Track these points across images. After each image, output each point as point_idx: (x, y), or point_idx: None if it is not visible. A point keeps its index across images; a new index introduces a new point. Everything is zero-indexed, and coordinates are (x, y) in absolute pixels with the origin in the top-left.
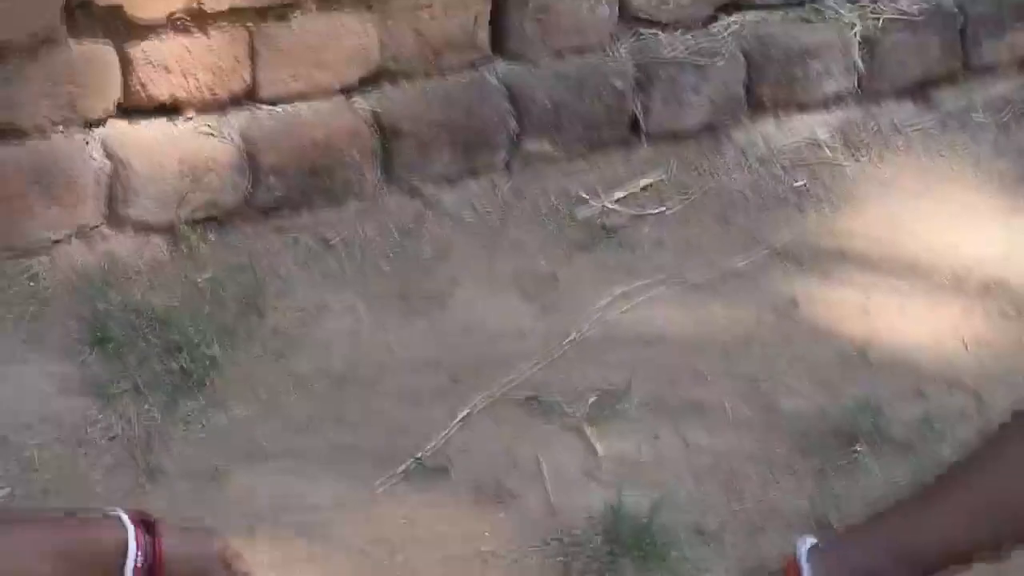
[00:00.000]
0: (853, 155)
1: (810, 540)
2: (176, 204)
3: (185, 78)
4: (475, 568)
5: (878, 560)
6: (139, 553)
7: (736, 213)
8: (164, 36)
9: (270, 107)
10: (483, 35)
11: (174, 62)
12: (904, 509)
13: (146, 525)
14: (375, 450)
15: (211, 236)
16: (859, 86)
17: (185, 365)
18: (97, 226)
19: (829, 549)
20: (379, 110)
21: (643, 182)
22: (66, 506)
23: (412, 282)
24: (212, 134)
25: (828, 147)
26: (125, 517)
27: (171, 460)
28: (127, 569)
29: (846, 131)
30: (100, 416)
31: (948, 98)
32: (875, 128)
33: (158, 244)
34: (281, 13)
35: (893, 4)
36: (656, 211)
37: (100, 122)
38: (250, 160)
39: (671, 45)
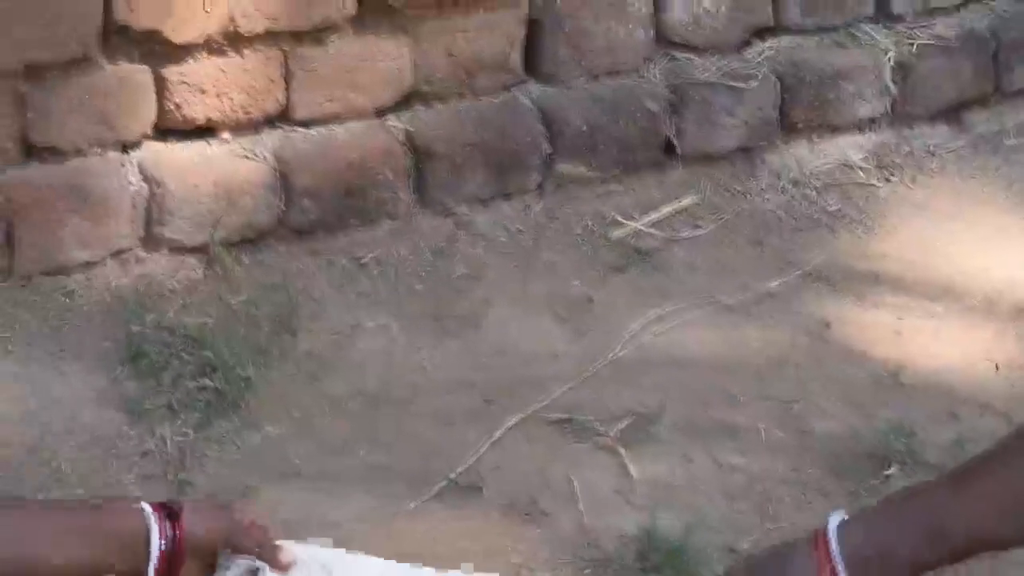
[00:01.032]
0: (886, 177)
1: (840, 515)
2: (211, 225)
3: (220, 99)
4: None
5: (906, 538)
6: (162, 540)
7: (769, 235)
8: (199, 58)
9: (304, 128)
10: (517, 57)
11: (209, 84)
12: (935, 491)
13: (168, 511)
14: (408, 470)
15: (245, 257)
16: (892, 109)
17: (219, 385)
18: (132, 247)
19: (858, 524)
20: (413, 131)
21: (677, 204)
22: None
23: (445, 303)
24: (247, 155)
25: (861, 169)
26: (147, 507)
27: (203, 477)
28: (152, 555)
29: (879, 154)
30: (132, 431)
31: (980, 121)
32: (908, 151)
33: (193, 265)
34: (316, 36)
35: (927, 30)
36: (690, 233)
37: (136, 143)
38: (284, 181)
39: (705, 68)
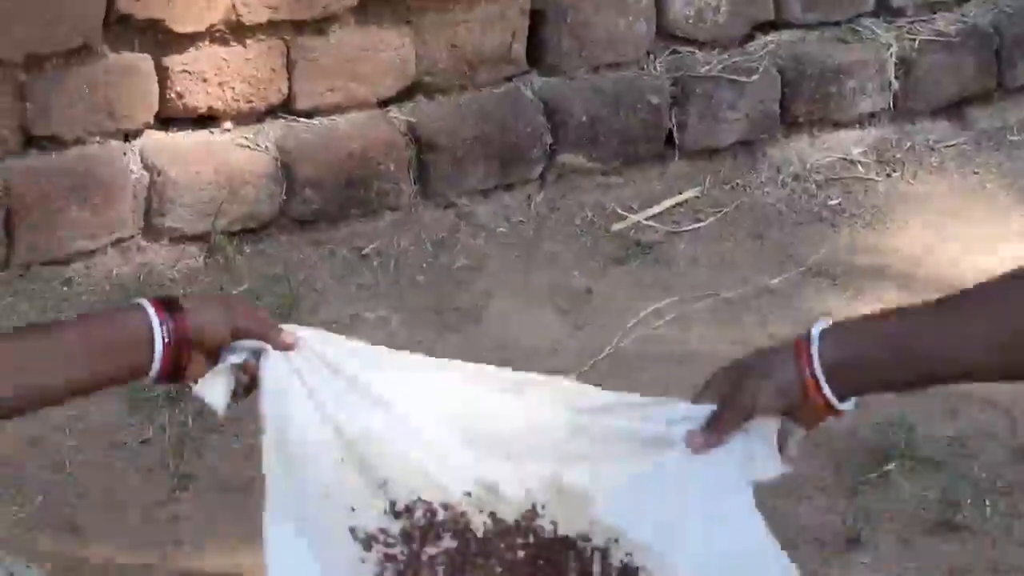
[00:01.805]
0: (887, 173)
1: (824, 322)
2: (212, 215)
3: (222, 89)
4: None
5: (879, 351)
6: (164, 332)
7: (770, 229)
8: (201, 47)
9: (306, 119)
10: (519, 49)
11: (211, 73)
12: (921, 313)
13: (168, 305)
14: None
15: (246, 247)
16: (894, 104)
17: None
18: (133, 236)
19: (839, 332)
20: (415, 122)
21: (678, 197)
22: (101, 507)
23: (446, 295)
24: (248, 145)
25: (862, 164)
26: (147, 303)
27: (204, 468)
28: (156, 349)
29: (880, 149)
30: (132, 421)
31: (983, 117)
32: (909, 146)
33: (193, 254)
34: (319, 26)
35: (930, 25)
36: (691, 227)
37: (137, 132)
38: (286, 171)
39: (707, 62)
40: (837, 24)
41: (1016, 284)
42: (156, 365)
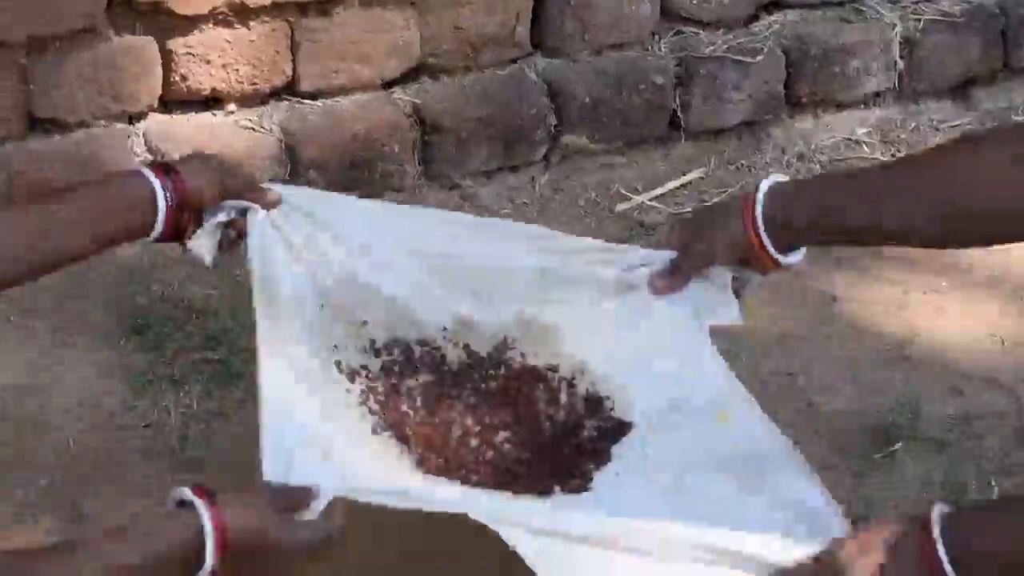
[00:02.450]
0: (892, 153)
1: (771, 179)
2: None
3: (226, 71)
4: None
5: (817, 211)
6: (167, 195)
7: None
8: (205, 29)
9: (311, 100)
10: (523, 31)
11: (215, 55)
12: (860, 178)
13: (166, 169)
14: None
15: None
16: (899, 85)
17: (223, 357)
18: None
19: (783, 189)
20: (419, 104)
21: (682, 179)
22: (105, 490)
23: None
24: (253, 127)
25: (866, 145)
26: (145, 169)
27: (207, 451)
28: (159, 211)
29: (885, 129)
30: (136, 404)
31: (988, 98)
32: (914, 127)
33: (203, 259)
34: (322, 7)
35: (934, 5)
36: (695, 207)
37: (141, 115)
38: (290, 153)
39: (711, 43)
40: (841, 4)
41: (940, 159)
42: (159, 227)
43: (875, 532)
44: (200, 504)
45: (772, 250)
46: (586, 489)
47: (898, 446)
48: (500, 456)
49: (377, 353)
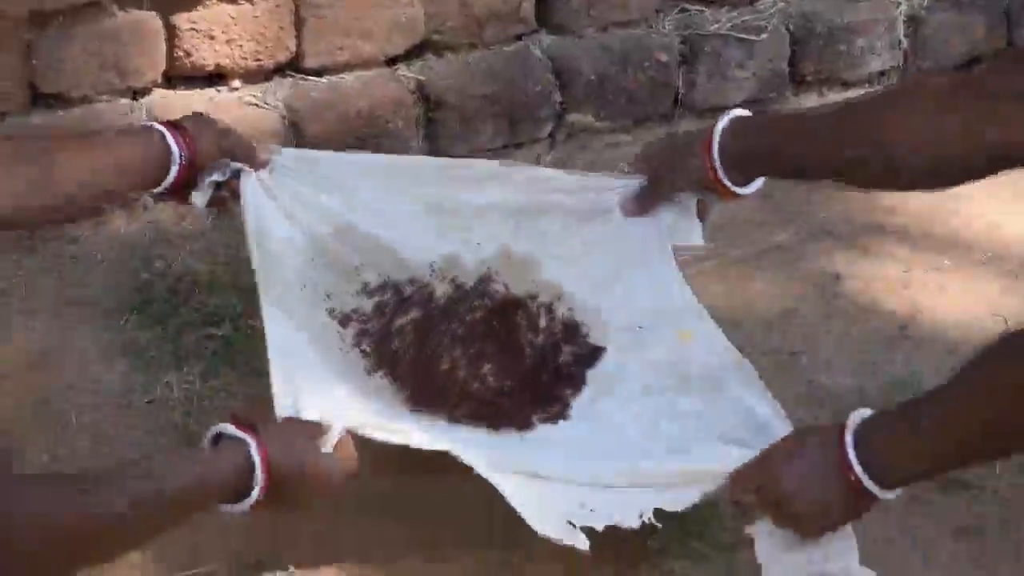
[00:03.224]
0: None
1: (731, 114)
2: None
3: (230, 46)
4: None
5: (768, 147)
6: (180, 154)
7: (777, 189)
8: (209, 5)
9: (315, 77)
10: (528, 7)
11: (219, 30)
12: (808, 119)
13: (178, 127)
14: None
15: None
16: (903, 64)
17: (226, 333)
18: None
19: (739, 125)
20: (424, 80)
21: None
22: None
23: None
24: (257, 104)
25: None
26: (160, 126)
27: (210, 427)
28: (172, 168)
29: None
30: (139, 380)
31: None
32: None
33: (200, 214)
34: None
35: None
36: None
37: (145, 90)
38: (294, 129)
39: (716, 20)
40: None
41: (879, 105)
42: (170, 180)
43: (799, 440)
44: (246, 436)
45: (727, 182)
46: (564, 417)
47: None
48: (484, 388)
49: (370, 295)
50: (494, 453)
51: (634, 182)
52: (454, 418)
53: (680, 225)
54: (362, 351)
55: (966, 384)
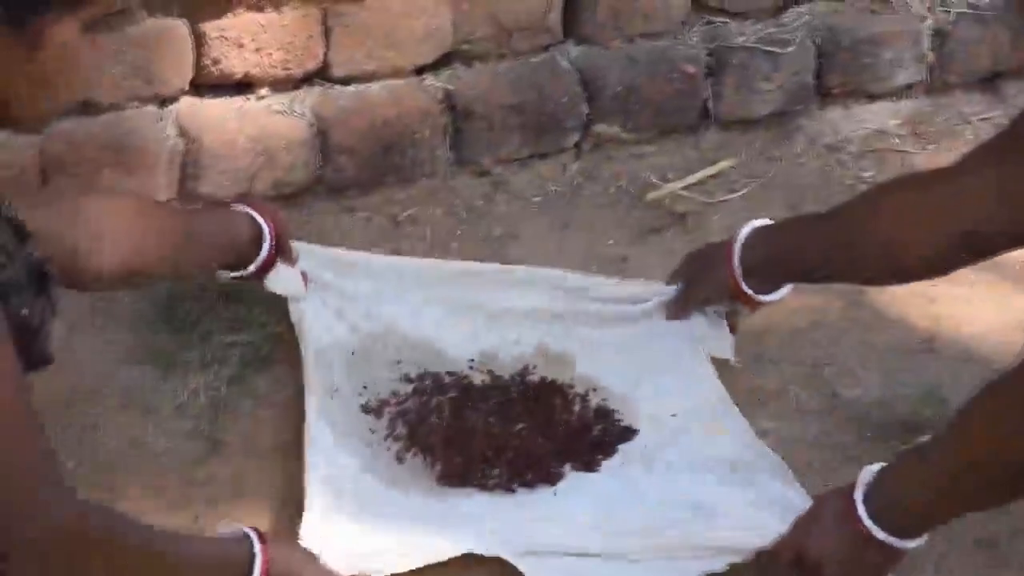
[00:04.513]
0: (922, 145)
1: (750, 226)
2: (247, 181)
3: (258, 55)
4: None
5: (784, 253)
6: (272, 239)
7: (805, 201)
8: (238, 12)
9: (342, 86)
10: (555, 18)
11: (248, 39)
12: (812, 224)
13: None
14: None
15: (281, 213)
16: (929, 77)
17: (252, 339)
18: (168, 201)
19: (758, 235)
20: (451, 90)
21: (713, 168)
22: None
23: (481, 262)
24: (284, 111)
25: (897, 136)
26: (248, 208)
27: (237, 433)
28: (263, 250)
29: (915, 121)
30: (165, 386)
31: (1018, 90)
32: (944, 119)
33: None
34: None
35: None
36: (725, 197)
37: (173, 98)
38: (321, 138)
39: (742, 32)
40: None
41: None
42: (261, 259)
43: (819, 504)
44: (252, 534)
45: (750, 292)
46: (593, 471)
47: (926, 437)
48: (518, 442)
49: (409, 381)
50: (521, 534)
51: (668, 291)
52: (485, 488)
53: (711, 335)
54: (395, 437)
55: (964, 427)
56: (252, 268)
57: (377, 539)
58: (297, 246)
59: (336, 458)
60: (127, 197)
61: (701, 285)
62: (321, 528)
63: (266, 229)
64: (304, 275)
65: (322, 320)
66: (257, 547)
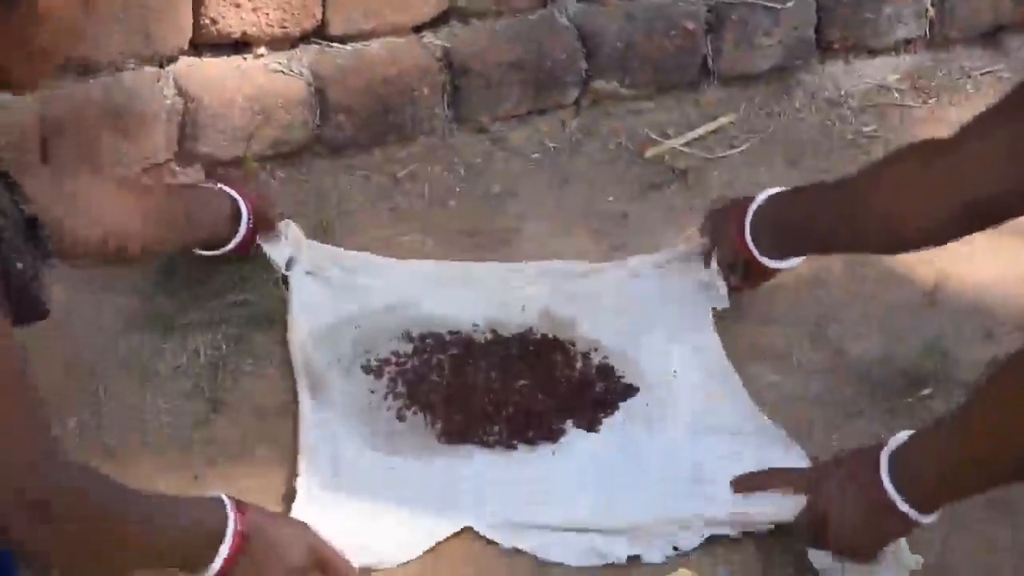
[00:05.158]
0: (922, 100)
1: (765, 193)
2: (245, 140)
3: (256, 14)
4: None
5: (796, 223)
6: (249, 217)
7: (805, 156)
8: None
9: (340, 44)
10: None
11: None
12: (827, 191)
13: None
14: None
15: (280, 172)
16: (929, 32)
17: (254, 300)
18: (167, 161)
19: (769, 203)
20: (449, 48)
21: (713, 124)
22: (135, 430)
23: (480, 219)
24: (282, 71)
25: (897, 91)
26: (225, 187)
27: (239, 393)
28: (242, 227)
29: (915, 76)
30: (166, 346)
31: (1019, 45)
32: (944, 73)
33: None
34: None
35: None
36: (725, 153)
37: (171, 58)
38: (320, 96)
39: None
40: None
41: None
42: (239, 238)
43: (838, 465)
44: (229, 503)
45: (758, 254)
46: (595, 430)
47: (928, 391)
48: (519, 399)
49: (411, 340)
50: (520, 514)
51: (667, 255)
52: (486, 444)
53: (712, 285)
54: (395, 394)
55: (988, 397)
56: (231, 246)
57: (375, 525)
58: (305, 241)
59: (331, 426)
60: (110, 177)
61: (724, 249)
62: (314, 515)
63: (244, 209)
64: (292, 259)
65: (327, 300)
66: (231, 512)
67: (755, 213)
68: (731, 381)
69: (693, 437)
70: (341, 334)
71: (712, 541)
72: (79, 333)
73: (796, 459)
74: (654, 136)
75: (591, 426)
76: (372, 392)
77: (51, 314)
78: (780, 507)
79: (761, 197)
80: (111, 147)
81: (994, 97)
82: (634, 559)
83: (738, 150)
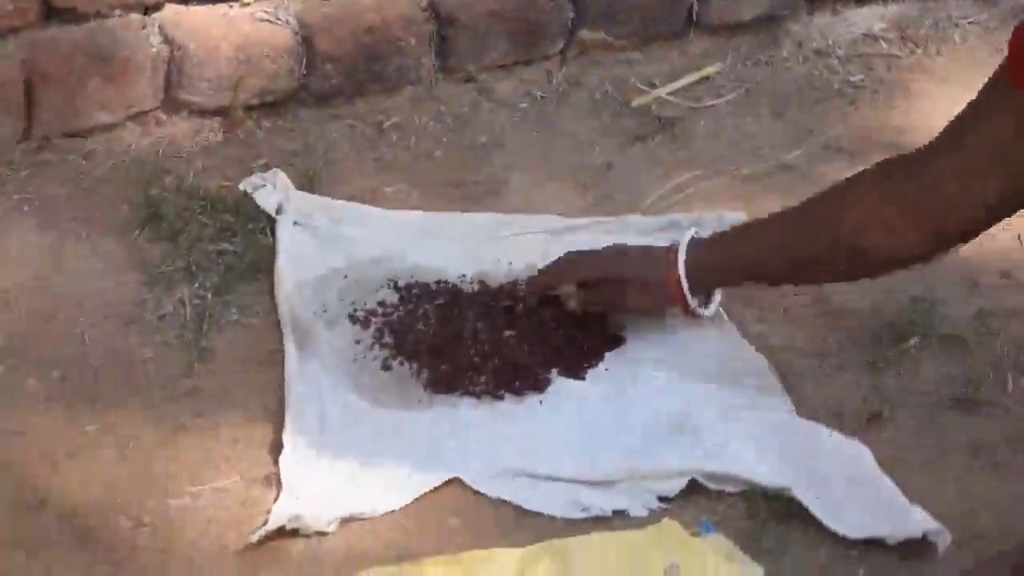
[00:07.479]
0: (910, 49)
1: (691, 232)
2: (231, 89)
3: None
4: None
5: (722, 264)
6: None
7: (791, 106)
8: None
9: None
10: None
11: None
12: (741, 235)
13: None
14: None
15: (266, 122)
16: None
17: (238, 248)
18: (152, 109)
19: (698, 247)
20: None
21: (699, 74)
22: (119, 381)
23: (466, 169)
24: (269, 19)
25: (885, 41)
26: None
27: (223, 343)
28: None
29: (903, 25)
30: (151, 296)
31: None
32: (933, 23)
33: (213, 128)
34: None
35: None
36: (711, 103)
37: (157, 5)
38: (306, 45)
39: None
40: None
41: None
42: None
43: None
44: None
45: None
46: (580, 378)
47: (913, 342)
48: (506, 350)
49: (398, 289)
50: (508, 467)
51: (657, 222)
52: (473, 394)
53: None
54: (382, 344)
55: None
56: None
57: (360, 478)
58: (292, 192)
59: (317, 379)
60: None
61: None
62: (301, 470)
63: None
64: (280, 205)
65: (314, 251)
66: None
67: (687, 255)
68: (723, 323)
69: (679, 391)
70: (328, 285)
71: (695, 491)
72: (61, 281)
73: (785, 405)
74: (640, 86)
75: (577, 375)
76: (358, 342)
77: (33, 261)
78: (754, 473)
79: (684, 241)
80: (97, 94)
81: (982, 48)
82: (619, 513)
83: (724, 99)
